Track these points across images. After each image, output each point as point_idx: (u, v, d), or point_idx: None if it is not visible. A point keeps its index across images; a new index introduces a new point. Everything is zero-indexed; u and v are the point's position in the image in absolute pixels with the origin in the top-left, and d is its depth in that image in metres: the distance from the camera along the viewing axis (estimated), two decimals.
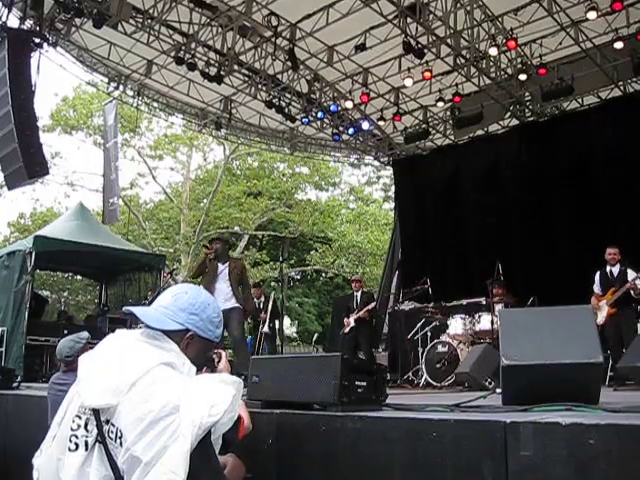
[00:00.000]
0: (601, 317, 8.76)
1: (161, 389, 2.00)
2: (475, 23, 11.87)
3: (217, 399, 2.03)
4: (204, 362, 2.49)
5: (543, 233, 13.30)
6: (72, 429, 2.08)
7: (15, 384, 8.36)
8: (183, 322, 2.28)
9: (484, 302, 10.58)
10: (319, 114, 15.35)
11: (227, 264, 8.56)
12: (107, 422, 2.01)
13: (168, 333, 2.24)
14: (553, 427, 2.89)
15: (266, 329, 12.55)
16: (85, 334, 5.40)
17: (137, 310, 2.27)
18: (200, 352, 2.36)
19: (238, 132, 17.65)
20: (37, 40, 10.77)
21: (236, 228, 31.16)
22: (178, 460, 1.91)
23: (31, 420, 5.32)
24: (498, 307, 9.70)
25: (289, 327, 33.36)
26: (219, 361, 3.03)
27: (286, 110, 14.83)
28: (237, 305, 8.31)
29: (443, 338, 10.42)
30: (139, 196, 32.42)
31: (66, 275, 23.41)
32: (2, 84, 10.00)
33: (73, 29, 13.09)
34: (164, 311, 2.28)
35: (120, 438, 1.97)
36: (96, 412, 2.03)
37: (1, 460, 6.33)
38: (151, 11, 12.06)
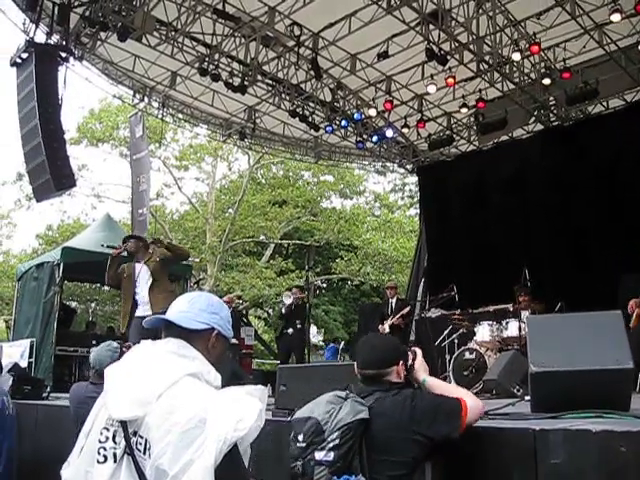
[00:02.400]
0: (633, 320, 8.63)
1: (188, 401, 2.01)
2: (498, 28, 11.84)
3: (244, 414, 2.02)
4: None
5: (570, 238, 13.20)
6: (100, 441, 2.10)
7: (45, 394, 8.45)
8: (208, 321, 2.31)
9: (511, 308, 10.48)
10: (343, 122, 15.36)
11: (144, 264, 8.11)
12: (135, 434, 2.02)
13: (193, 338, 2.26)
14: (583, 434, 2.87)
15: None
16: (115, 344, 5.40)
17: (159, 317, 2.32)
18: (223, 351, 2.40)
19: (262, 141, 17.72)
20: (63, 54, 10.90)
21: (262, 237, 31.23)
22: (203, 475, 1.91)
23: (61, 430, 5.37)
24: (525, 313, 9.61)
25: (315, 335, 33.34)
26: (414, 359, 3.21)
27: (310, 119, 14.87)
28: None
29: (470, 345, 10.34)
30: (165, 206, 32.63)
31: (94, 286, 23.53)
32: (30, 98, 10.14)
33: (98, 43, 13.26)
34: (185, 315, 2.30)
35: (148, 450, 1.98)
36: (124, 424, 2.04)
37: (31, 469, 6.39)
38: (175, 23, 12.17)
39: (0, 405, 5.80)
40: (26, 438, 6.04)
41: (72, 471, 2.19)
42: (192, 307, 2.32)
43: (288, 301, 12.56)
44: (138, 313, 7.92)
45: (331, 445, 2.77)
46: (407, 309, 12.18)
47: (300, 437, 2.88)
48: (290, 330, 12.41)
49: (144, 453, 1.99)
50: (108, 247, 8.62)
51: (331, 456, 2.75)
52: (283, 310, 12.82)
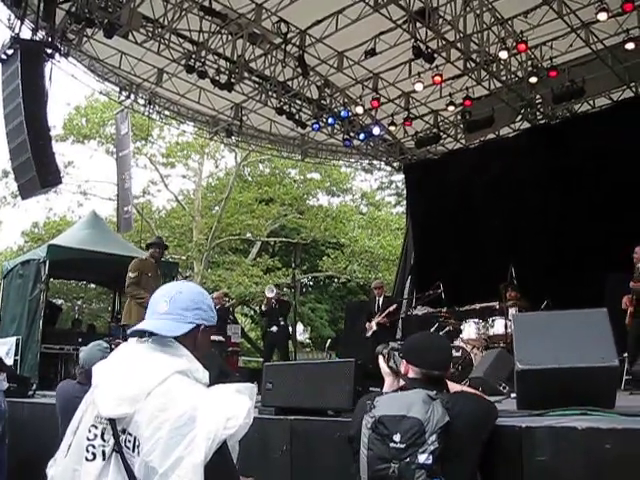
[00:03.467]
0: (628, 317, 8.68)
1: (177, 399, 2.00)
2: (485, 26, 11.87)
3: (234, 412, 2.01)
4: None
5: (556, 236, 13.26)
6: (89, 439, 2.08)
7: (30, 392, 8.42)
8: (191, 320, 2.25)
9: (497, 306, 10.52)
10: (330, 120, 15.37)
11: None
12: (124, 431, 2.01)
13: (179, 338, 2.22)
14: (569, 432, 2.88)
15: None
16: (105, 343, 5.38)
17: (144, 326, 2.22)
18: (209, 340, 2.37)
19: (249, 139, 17.71)
20: (49, 51, 10.84)
21: (248, 235, 31.18)
22: (193, 472, 1.91)
23: (46, 428, 5.34)
24: (512, 311, 9.65)
25: (302, 333, 33.36)
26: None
27: (297, 116, 14.86)
28: None
29: (457, 343, 10.36)
30: (152, 204, 32.54)
31: (80, 283, 23.47)
32: (15, 95, 10.07)
33: (84, 39, 13.21)
34: (168, 317, 2.22)
35: (137, 447, 1.97)
36: (112, 422, 2.03)
37: (16, 467, 6.36)
38: (161, 20, 12.13)
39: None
40: (12, 436, 6.01)
41: (59, 470, 2.17)
42: (173, 307, 2.24)
43: (270, 294, 12.59)
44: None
45: (432, 448, 2.64)
46: (393, 307, 12.22)
47: (397, 437, 2.70)
48: (274, 328, 12.45)
49: (133, 450, 1.98)
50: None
51: (431, 459, 2.63)
52: (263, 307, 12.87)
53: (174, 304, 2.24)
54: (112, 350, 5.30)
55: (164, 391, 2.01)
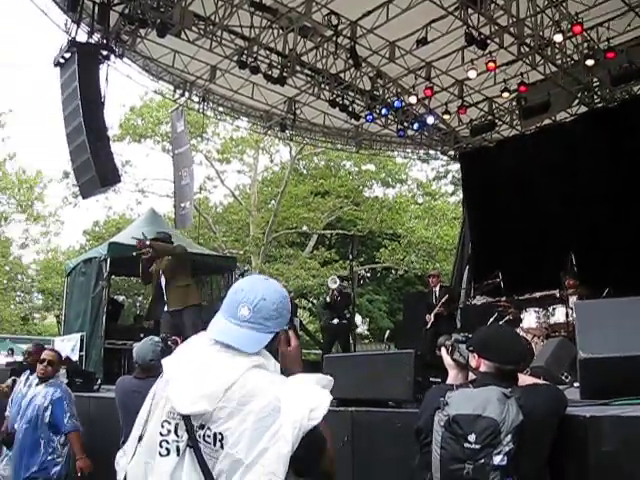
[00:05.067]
0: None
1: (258, 391, 2.02)
2: (538, 10, 11.62)
3: (317, 403, 2.02)
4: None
5: (616, 221, 12.95)
6: (162, 434, 2.10)
7: (96, 387, 8.63)
8: (272, 330, 2.21)
9: (558, 294, 10.35)
10: (383, 111, 15.29)
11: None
12: (202, 427, 2.03)
13: None
14: (635, 421, 2.82)
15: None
16: (157, 338, 5.47)
17: (226, 337, 2.16)
18: (280, 341, 2.30)
19: (303, 132, 17.75)
20: (104, 52, 11.07)
21: (305, 228, 31.32)
22: (278, 462, 1.93)
23: (112, 421, 5.45)
24: (572, 299, 9.48)
25: (361, 324, 33.35)
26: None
27: (350, 108, 14.84)
28: None
29: (517, 332, 10.25)
30: (209, 200, 32.92)
31: (140, 280, 23.88)
32: (73, 97, 10.30)
33: (138, 40, 13.41)
34: (251, 326, 2.17)
35: (220, 441, 1.99)
36: (187, 418, 2.05)
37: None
38: (212, 17, 12.23)
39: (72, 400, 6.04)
40: None
41: (132, 462, 2.20)
42: (256, 316, 2.18)
43: (333, 285, 12.58)
44: (165, 308, 8.81)
45: (507, 449, 2.59)
46: (446, 297, 12.09)
47: (471, 437, 2.64)
48: (335, 320, 12.46)
49: (215, 445, 2.00)
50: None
51: (505, 460, 2.59)
52: (328, 299, 12.83)
53: (258, 312, 2.19)
54: (168, 346, 5.40)
55: (244, 384, 2.03)
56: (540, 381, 3.18)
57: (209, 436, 2.02)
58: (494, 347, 3.00)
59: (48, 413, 5.78)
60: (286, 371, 2.24)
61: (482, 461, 2.60)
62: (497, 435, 2.61)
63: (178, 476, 2.05)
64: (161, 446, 2.09)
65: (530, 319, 10.10)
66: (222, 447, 1.99)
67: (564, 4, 11.67)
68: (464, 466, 2.63)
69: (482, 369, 2.98)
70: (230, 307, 2.22)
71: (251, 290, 2.24)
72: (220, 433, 2.00)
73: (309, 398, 2.03)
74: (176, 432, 2.09)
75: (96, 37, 11.56)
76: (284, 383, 2.09)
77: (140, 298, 27.71)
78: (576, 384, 4.25)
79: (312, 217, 29.83)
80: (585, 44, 12.63)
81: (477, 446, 2.62)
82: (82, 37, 11.25)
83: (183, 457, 2.06)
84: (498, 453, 2.59)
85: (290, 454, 1.94)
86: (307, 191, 30.70)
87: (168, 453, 2.08)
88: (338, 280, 12.77)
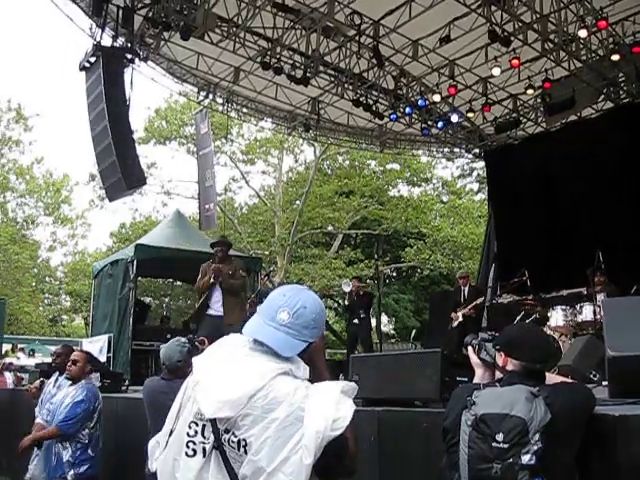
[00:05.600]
0: None
1: (282, 399, 2.02)
2: (562, 5, 11.53)
3: (341, 413, 2.03)
4: None
5: None
6: (189, 435, 2.12)
7: (123, 388, 8.71)
8: (307, 339, 2.21)
9: (585, 292, 10.27)
10: (407, 109, 15.24)
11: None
12: (227, 431, 2.05)
13: None
14: None
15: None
16: (184, 339, 5.50)
17: (263, 337, 2.17)
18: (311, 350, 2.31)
19: (327, 132, 17.76)
20: (129, 56, 11.18)
21: (330, 228, 31.33)
22: (300, 471, 1.95)
23: (139, 421, 5.49)
24: (600, 297, 9.40)
25: (386, 324, 33.30)
26: None
27: (374, 108, 14.82)
28: None
29: (544, 330, 10.18)
30: (234, 200, 33.05)
31: (166, 281, 24.03)
32: (99, 100, 10.40)
33: (162, 43, 13.50)
34: (289, 332, 2.18)
35: (244, 447, 2.01)
36: (213, 420, 2.07)
37: (114, 459, 6.58)
38: (235, 19, 12.28)
39: (100, 404, 6.07)
40: (107, 430, 6.22)
41: (161, 458, 2.23)
42: (295, 322, 2.20)
43: (347, 288, 12.66)
44: (211, 312, 8.85)
45: (535, 448, 2.57)
46: (480, 300, 12.11)
47: (499, 437, 2.62)
48: (355, 320, 12.51)
49: (239, 450, 2.03)
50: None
51: (534, 460, 2.56)
52: (346, 301, 12.95)
53: (297, 319, 2.20)
54: (195, 346, 5.42)
55: (268, 392, 2.04)
56: (568, 380, 3.15)
57: (233, 441, 2.04)
58: (521, 346, 2.98)
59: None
60: (311, 363, 2.25)
61: (510, 460, 2.58)
62: (525, 434, 2.59)
63: (204, 477, 2.08)
64: (188, 446, 2.11)
65: (557, 317, 10.03)
66: (245, 453, 2.01)
67: None
68: (492, 465, 2.61)
69: (509, 368, 2.96)
70: (269, 310, 2.24)
71: (293, 297, 2.25)
72: (244, 439, 2.02)
73: (333, 408, 2.03)
74: (203, 434, 2.11)
75: (120, 41, 11.67)
76: (309, 392, 2.09)
77: (167, 299, 27.87)
78: (604, 383, 4.22)
79: (337, 217, 29.84)
80: (610, 39, 12.50)
81: (505, 445, 2.60)
82: (107, 41, 11.39)
83: (209, 458, 2.08)
84: (526, 452, 2.57)
85: (312, 464, 1.96)
86: (332, 191, 30.71)
87: (195, 454, 2.10)
88: (351, 283, 12.83)
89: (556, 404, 2.68)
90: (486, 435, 2.67)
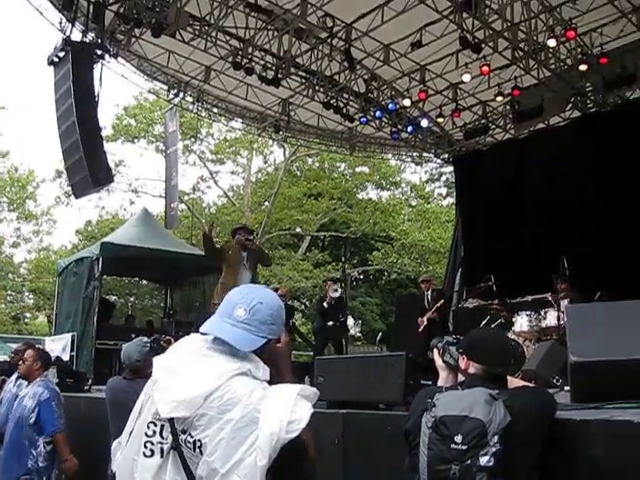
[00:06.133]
0: None
1: (238, 401, 2.01)
2: (532, 15, 11.67)
3: (296, 416, 2.00)
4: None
5: (609, 226, 12.97)
6: (147, 435, 2.11)
7: (86, 387, 8.61)
8: (266, 335, 2.21)
9: (549, 298, 10.37)
10: (377, 113, 15.30)
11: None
12: (184, 432, 2.03)
13: None
14: (625, 425, 2.83)
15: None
16: (146, 338, 5.48)
17: (220, 332, 2.16)
18: (270, 350, 2.29)
19: (297, 134, 17.76)
20: (99, 52, 11.06)
21: (298, 230, 31.34)
22: (254, 473, 1.93)
23: (102, 421, 5.43)
24: (564, 303, 9.50)
25: (353, 327, 33.36)
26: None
27: (344, 110, 14.83)
28: None
29: (509, 335, 10.26)
30: (202, 200, 32.91)
31: (132, 280, 23.86)
32: (67, 96, 10.28)
33: (133, 39, 13.36)
34: (246, 328, 2.17)
35: (199, 448, 2.00)
36: (171, 420, 2.05)
37: (76, 459, 6.48)
38: (208, 18, 12.21)
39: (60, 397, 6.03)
40: (69, 430, 6.13)
41: (121, 457, 2.21)
42: (252, 318, 2.19)
43: (335, 294, 12.60)
44: None
45: (494, 450, 2.58)
46: (441, 302, 12.16)
47: (458, 438, 2.64)
48: (330, 323, 12.48)
49: (194, 451, 2.01)
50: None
51: (492, 461, 2.58)
52: (325, 304, 12.85)
53: (254, 315, 2.20)
54: (161, 345, 5.39)
55: (224, 392, 2.02)
56: (529, 384, 3.18)
57: (189, 442, 2.02)
58: (483, 350, 3.02)
59: (34, 414, 5.74)
60: (275, 367, 2.24)
61: (469, 462, 2.60)
62: (484, 436, 2.61)
63: (162, 478, 2.06)
64: (145, 447, 2.09)
65: (522, 322, 10.12)
66: (201, 453, 1.99)
67: (558, 9, 11.72)
68: (451, 467, 2.63)
69: (471, 371, 2.99)
70: (226, 308, 2.23)
71: (249, 294, 2.26)
72: (199, 440, 2.00)
73: (288, 411, 2.00)
74: (161, 434, 2.09)
75: (91, 36, 11.57)
76: (266, 393, 2.07)
77: (132, 298, 27.65)
78: (567, 388, 4.25)
79: (305, 219, 29.86)
80: (579, 49, 12.68)
81: (464, 447, 2.62)
82: (77, 36, 11.26)
83: (167, 459, 2.07)
84: (485, 454, 2.59)
85: (267, 466, 1.93)
86: (301, 193, 30.73)
87: (152, 454, 2.08)
88: (339, 289, 12.82)
89: (516, 407, 2.71)
90: (445, 437, 2.69)
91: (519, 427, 2.67)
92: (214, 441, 1.97)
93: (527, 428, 2.74)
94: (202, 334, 2.21)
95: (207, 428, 1.99)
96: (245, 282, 8.32)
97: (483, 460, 2.58)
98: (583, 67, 12.63)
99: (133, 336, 6.15)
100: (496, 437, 2.60)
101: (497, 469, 2.58)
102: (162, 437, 2.08)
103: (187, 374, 2.09)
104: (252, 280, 8.76)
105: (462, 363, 3.06)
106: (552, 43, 11.94)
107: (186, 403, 2.01)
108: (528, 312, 10.19)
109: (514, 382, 3.10)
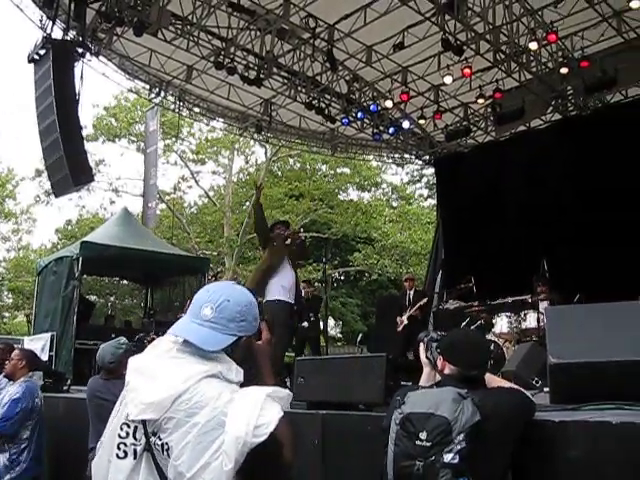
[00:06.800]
0: None
1: (205, 404, 1.98)
2: (514, 18, 11.74)
3: (264, 420, 1.95)
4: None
5: (588, 229, 13.06)
6: (120, 436, 2.09)
7: (65, 387, 8.55)
8: (235, 333, 2.17)
9: (529, 300, 10.43)
10: (359, 114, 15.32)
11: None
12: (154, 434, 2.02)
13: None
14: (603, 426, 2.85)
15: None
16: (123, 339, 5.46)
17: (187, 334, 2.13)
18: (243, 348, 2.26)
19: (279, 134, 17.73)
20: (80, 50, 11.00)
21: None
22: (219, 478, 1.91)
23: (81, 421, 5.41)
24: (544, 304, 9.57)
25: (333, 327, 33.38)
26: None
27: (326, 111, 14.85)
28: None
29: (489, 337, 10.29)
30: (183, 200, 32.79)
31: (112, 280, 23.70)
32: (47, 94, 10.21)
33: (114, 38, 13.30)
34: (213, 327, 2.14)
35: (167, 451, 1.98)
36: (144, 421, 2.04)
37: (55, 460, 6.46)
38: (190, 17, 12.17)
39: (39, 403, 5.98)
40: (48, 430, 6.10)
41: (97, 457, 2.20)
42: (219, 316, 2.15)
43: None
44: (283, 297, 8.05)
45: (459, 447, 2.62)
46: (424, 300, 12.23)
47: (423, 435, 2.69)
48: (304, 323, 12.48)
49: (163, 453, 2.00)
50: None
51: (457, 459, 2.61)
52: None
53: (220, 313, 2.16)
54: (142, 346, 5.39)
55: (192, 396, 1.99)
56: (506, 384, 3.19)
57: (158, 445, 2.01)
58: (458, 352, 3.05)
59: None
60: (256, 365, 2.22)
61: (432, 458, 2.64)
62: (448, 433, 2.65)
63: (134, 479, 2.05)
64: (119, 448, 2.08)
65: (502, 324, 10.17)
66: (169, 457, 1.98)
67: (540, 13, 11.79)
68: (415, 463, 2.68)
69: (446, 372, 3.04)
70: (194, 308, 2.20)
71: (216, 292, 2.23)
72: (166, 443, 1.99)
73: (255, 414, 1.95)
74: (134, 435, 2.08)
75: (72, 34, 11.47)
76: (234, 396, 2.03)
77: (112, 298, 27.49)
78: (546, 389, 4.28)
79: (286, 219, 29.78)
80: (560, 52, 12.77)
81: (428, 444, 2.67)
82: (57, 34, 11.16)
83: (140, 461, 2.06)
84: (449, 451, 2.62)
85: (234, 470, 1.91)
86: (282, 193, 30.69)
87: (125, 455, 2.07)
88: (304, 289, 12.79)
89: (487, 406, 2.74)
90: (410, 433, 2.73)
91: (490, 426, 2.71)
92: (180, 445, 1.95)
93: (499, 428, 2.77)
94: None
95: (174, 431, 1.97)
96: (288, 280, 8.13)
97: (447, 457, 2.62)
98: (564, 70, 12.72)
99: (113, 336, 6.13)
100: (462, 435, 2.64)
101: (463, 467, 2.62)
102: (135, 439, 2.07)
103: (157, 376, 2.06)
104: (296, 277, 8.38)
105: (439, 363, 3.11)
106: (533, 46, 12.01)
107: (154, 406, 1.99)
108: (508, 314, 10.25)
109: (493, 381, 3.12)
